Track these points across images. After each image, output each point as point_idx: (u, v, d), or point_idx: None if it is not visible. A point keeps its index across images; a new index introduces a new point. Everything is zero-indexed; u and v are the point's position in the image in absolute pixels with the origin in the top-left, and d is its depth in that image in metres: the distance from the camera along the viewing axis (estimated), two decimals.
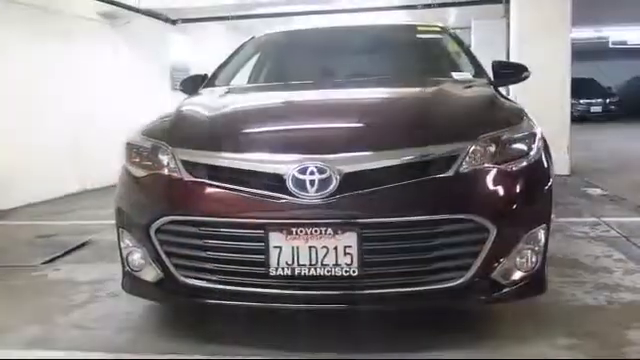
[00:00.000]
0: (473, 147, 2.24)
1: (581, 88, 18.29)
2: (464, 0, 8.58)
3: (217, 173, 2.26)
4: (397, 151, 2.18)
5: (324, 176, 2.12)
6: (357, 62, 3.75)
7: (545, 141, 2.65)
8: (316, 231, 2.10)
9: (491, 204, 2.20)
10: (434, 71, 3.45)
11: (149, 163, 2.43)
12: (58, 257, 3.95)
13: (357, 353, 2.32)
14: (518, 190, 2.28)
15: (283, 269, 2.13)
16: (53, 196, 6.50)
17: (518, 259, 2.30)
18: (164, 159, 2.38)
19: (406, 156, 2.18)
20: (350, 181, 2.13)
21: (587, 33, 14.85)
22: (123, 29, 7.93)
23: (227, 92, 3.13)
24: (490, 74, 3.34)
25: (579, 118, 17.49)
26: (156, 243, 2.31)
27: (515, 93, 7.15)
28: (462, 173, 2.19)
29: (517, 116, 2.53)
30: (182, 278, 2.31)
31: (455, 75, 3.34)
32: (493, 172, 2.24)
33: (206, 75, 3.70)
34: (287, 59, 3.98)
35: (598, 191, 5.99)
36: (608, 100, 18.68)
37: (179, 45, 9.04)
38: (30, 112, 6.38)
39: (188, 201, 2.28)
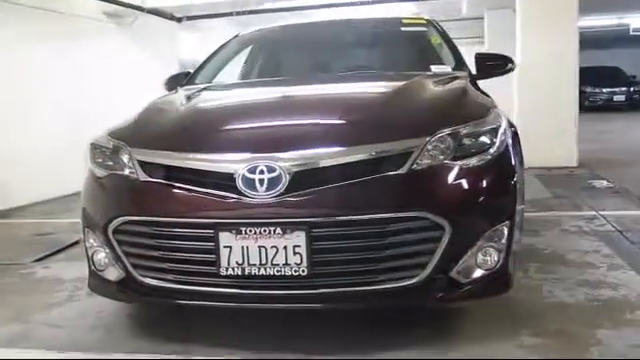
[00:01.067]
0: (428, 143, 2.19)
1: (604, 76, 17.93)
2: None
3: (170, 173, 2.26)
4: (347, 149, 2.15)
5: (273, 175, 2.10)
6: (337, 57, 3.71)
7: (516, 134, 2.60)
8: (265, 231, 2.09)
9: (446, 201, 2.16)
10: (413, 65, 3.39)
11: (110, 163, 2.44)
12: (49, 255, 4.01)
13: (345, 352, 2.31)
14: (476, 186, 2.23)
15: (234, 269, 2.13)
16: (63, 194, 6.58)
17: (479, 257, 2.25)
18: (124, 159, 2.39)
19: (356, 154, 2.14)
20: (300, 180, 2.11)
21: (607, 20, 14.48)
22: (129, 28, 8.00)
23: (199, 90, 3.13)
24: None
25: (602, 107, 17.14)
26: (114, 243, 2.33)
27: (518, 84, 7.05)
28: (415, 170, 2.15)
29: (482, 110, 2.47)
30: (140, 278, 2.32)
31: (434, 68, 3.29)
32: (449, 169, 2.20)
33: (189, 73, 3.73)
34: (269, 56, 3.99)
35: (604, 183, 5.84)
36: (632, 89, 18.20)
37: (187, 42, 9.09)
38: (35, 111, 6.48)
39: (143, 201, 2.29)
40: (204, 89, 3.16)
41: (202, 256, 2.17)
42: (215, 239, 2.13)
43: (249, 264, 2.12)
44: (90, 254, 2.51)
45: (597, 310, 2.64)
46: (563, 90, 6.85)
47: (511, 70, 3.61)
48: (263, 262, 2.11)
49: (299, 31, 4.07)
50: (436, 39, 3.62)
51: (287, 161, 2.12)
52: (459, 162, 2.22)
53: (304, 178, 2.11)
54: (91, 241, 2.48)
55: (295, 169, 2.11)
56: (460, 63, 3.35)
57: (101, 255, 2.45)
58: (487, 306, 2.67)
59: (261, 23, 7.66)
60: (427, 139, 2.19)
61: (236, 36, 4.03)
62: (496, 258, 2.28)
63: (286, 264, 2.10)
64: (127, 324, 2.74)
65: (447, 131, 2.25)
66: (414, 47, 3.70)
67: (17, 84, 6.24)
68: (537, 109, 6.95)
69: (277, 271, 2.10)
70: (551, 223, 4.25)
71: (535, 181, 6.10)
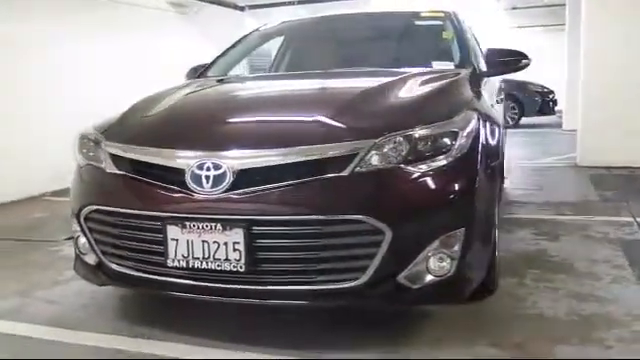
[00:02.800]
0: (376, 146, 2.17)
1: None
2: None
3: (133, 166, 2.38)
4: (290, 149, 2.17)
5: (219, 172, 2.17)
6: (338, 53, 3.70)
7: (486, 137, 2.48)
8: (207, 226, 2.16)
9: (387, 206, 2.12)
10: (414, 60, 3.32)
11: (91, 154, 2.60)
12: None
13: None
14: (425, 192, 2.18)
15: (179, 261, 2.22)
16: None
17: (430, 263, 2.21)
18: (100, 151, 2.54)
19: (299, 155, 2.15)
20: (244, 178, 2.16)
21: None
22: (194, 17, 8.29)
23: (198, 84, 3.23)
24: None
25: None
26: (86, 230, 2.49)
27: (584, 76, 6.67)
28: (358, 173, 2.13)
29: (448, 111, 2.37)
30: (108, 263, 2.47)
31: (435, 64, 3.22)
32: (397, 172, 2.16)
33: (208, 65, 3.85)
34: (278, 51, 4.03)
35: None
36: None
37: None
38: (108, 97, 6.86)
39: (107, 192, 2.43)
40: (196, 84, 3.26)
41: (154, 247, 2.28)
42: (164, 231, 2.23)
43: (193, 257, 2.20)
44: (75, 238, 2.69)
45: (571, 325, 2.51)
46: (631, 80, 6.40)
47: (525, 66, 3.45)
48: (206, 256, 2.18)
49: (311, 26, 4.08)
50: (448, 34, 3.51)
51: (232, 159, 2.18)
52: (410, 166, 2.18)
53: (248, 177, 2.16)
54: (75, 226, 2.66)
55: (239, 167, 2.16)
56: (465, 59, 3.24)
57: (83, 240, 2.61)
58: (460, 312, 2.63)
59: (323, 11, 7.75)
60: (373, 141, 2.17)
61: (256, 30, 4.10)
62: (449, 265, 2.23)
63: (226, 259, 2.16)
64: (115, 305, 2.92)
65: (398, 133, 2.20)
66: (422, 42, 3.62)
67: (89, 70, 6.64)
68: (601, 106, 6.56)
69: (218, 265, 2.17)
70: (578, 228, 4.03)
71: (586, 181, 5.79)
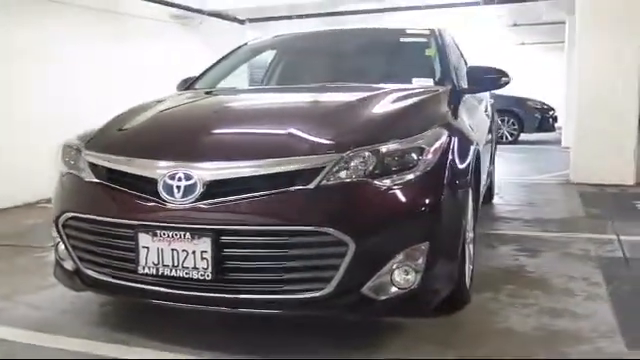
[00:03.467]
0: (342, 160, 2.22)
1: None
2: None
3: (109, 175, 2.45)
4: (258, 162, 2.23)
5: (189, 183, 2.23)
6: (321, 69, 3.77)
7: (455, 154, 2.52)
8: (177, 235, 2.22)
9: (350, 218, 2.17)
10: (394, 77, 3.39)
11: (72, 163, 2.66)
12: None
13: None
14: (389, 206, 2.23)
15: (150, 268, 2.27)
16: None
17: (395, 275, 2.26)
18: (81, 160, 2.61)
19: (268, 167, 2.21)
20: (213, 189, 2.22)
21: None
22: (197, 29, 8.41)
23: (180, 96, 3.31)
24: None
25: None
26: (64, 236, 2.56)
27: (578, 95, 6.72)
28: (324, 186, 2.19)
29: (417, 128, 2.43)
30: (84, 269, 2.53)
31: (415, 81, 3.28)
32: (362, 186, 2.21)
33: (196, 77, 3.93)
34: (277, 64, 4.11)
35: None
36: None
37: None
38: (110, 106, 6.96)
39: (84, 200, 2.50)
40: (179, 96, 3.33)
41: (126, 254, 2.34)
42: (135, 239, 2.29)
43: (163, 265, 2.25)
44: (55, 244, 2.75)
45: (538, 340, 2.54)
46: (622, 100, 6.45)
47: (505, 84, 3.51)
48: (175, 264, 2.24)
49: (298, 41, 4.17)
50: (431, 51, 3.57)
51: (203, 170, 2.24)
52: (376, 180, 2.23)
53: (217, 188, 2.22)
54: (54, 233, 2.72)
55: (209, 178, 2.23)
56: (445, 77, 3.30)
57: (62, 246, 2.68)
58: (431, 324, 2.66)
59: (318, 26, 7.83)
60: (340, 156, 2.22)
61: (245, 44, 4.18)
62: (412, 278, 2.27)
63: (194, 268, 2.21)
64: (95, 311, 2.97)
65: (365, 148, 2.26)
66: (405, 59, 3.68)
67: (90, 80, 6.74)
68: (593, 122, 6.61)
69: (186, 273, 2.23)
70: (560, 245, 4.06)
71: (576, 199, 5.83)
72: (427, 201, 2.29)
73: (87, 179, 2.51)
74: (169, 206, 2.24)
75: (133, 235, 2.29)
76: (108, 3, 7.03)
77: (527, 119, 12.35)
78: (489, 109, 4.79)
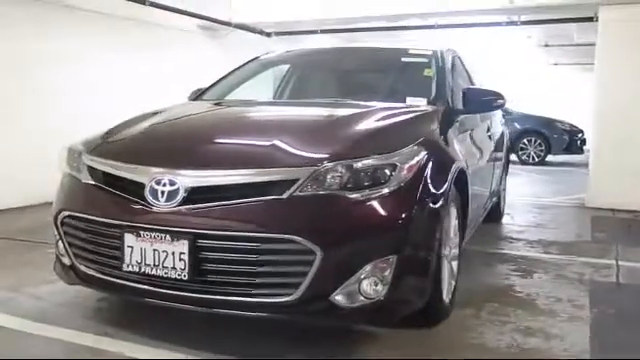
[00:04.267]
0: (316, 173, 2.34)
1: None
2: None
3: (103, 178, 2.63)
4: (237, 171, 2.37)
5: (173, 188, 2.38)
6: (321, 86, 3.92)
7: (432, 173, 2.60)
8: (158, 236, 2.37)
9: (319, 229, 2.29)
10: (389, 95, 3.51)
11: (73, 165, 2.85)
12: None
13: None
14: (357, 218, 2.34)
15: (133, 266, 2.43)
16: None
17: (363, 285, 2.36)
18: (80, 163, 2.79)
19: (244, 177, 2.36)
20: (194, 195, 2.37)
21: None
22: (224, 40, 8.65)
23: (183, 106, 3.48)
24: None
25: None
26: (61, 233, 2.74)
27: (595, 118, 6.70)
28: (296, 196, 2.31)
29: (395, 145, 2.53)
30: (78, 265, 2.70)
31: (409, 100, 3.38)
32: (333, 198, 2.33)
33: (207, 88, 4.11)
34: (284, 79, 4.27)
35: None
36: None
37: None
38: (139, 111, 7.22)
39: (80, 200, 2.68)
40: (182, 105, 3.51)
41: (113, 252, 2.50)
42: (121, 239, 2.45)
43: (145, 264, 2.41)
44: (56, 241, 2.94)
45: (506, 357, 2.60)
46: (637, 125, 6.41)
47: (501, 106, 3.60)
48: (156, 263, 2.39)
49: (304, 58, 4.32)
50: (429, 71, 3.67)
51: (185, 177, 2.39)
52: (347, 193, 2.34)
53: (197, 194, 2.37)
54: (54, 230, 2.91)
55: (190, 185, 2.38)
56: (439, 96, 3.40)
57: (61, 243, 2.86)
58: (406, 336, 2.76)
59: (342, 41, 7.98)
60: (313, 169, 2.35)
61: (256, 58, 4.35)
62: (380, 290, 2.37)
63: (173, 268, 2.36)
64: (92, 305, 3.14)
65: (339, 163, 2.38)
66: (403, 78, 3.79)
67: (120, 86, 7.03)
68: (609, 147, 6.58)
69: (165, 273, 2.37)
70: (556, 267, 4.08)
71: (586, 222, 5.79)
72: (397, 216, 2.39)
73: (84, 181, 2.69)
74: (153, 209, 2.40)
75: (120, 235, 2.45)
76: (141, 13, 7.30)
77: (555, 140, 12.23)
78: (497, 130, 4.83)
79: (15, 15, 6.01)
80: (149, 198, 2.41)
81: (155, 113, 3.22)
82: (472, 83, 4.51)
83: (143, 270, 2.41)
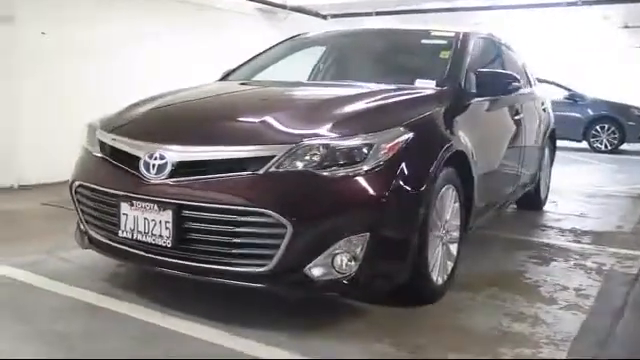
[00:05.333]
0: (293, 150, 2.44)
1: None
2: None
3: (109, 151, 2.85)
4: (218, 147, 2.53)
5: (162, 162, 2.56)
6: (342, 66, 3.99)
7: (415, 154, 2.64)
8: (148, 206, 2.56)
9: (291, 203, 2.39)
10: (398, 77, 3.54)
11: (90, 139, 3.10)
12: None
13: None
14: (330, 195, 2.43)
15: (127, 232, 2.64)
16: None
17: (336, 260, 2.46)
18: (94, 138, 3.03)
19: (225, 152, 2.51)
20: (180, 169, 2.54)
21: None
22: (282, 23, 8.83)
23: (206, 85, 3.67)
24: None
25: None
26: (75, 201, 3.00)
27: None
28: (272, 172, 2.43)
29: (381, 126, 2.59)
30: (89, 230, 2.95)
31: (418, 82, 3.40)
32: (306, 175, 2.43)
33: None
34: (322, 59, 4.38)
35: None
36: None
37: None
38: None
39: (89, 171, 2.92)
40: (201, 86, 3.69)
41: (113, 219, 2.73)
42: (118, 207, 2.66)
43: (137, 231, 2.61)
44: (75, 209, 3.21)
45: (484, 339, 2.61)
46: None
47: (515, 90, 3.54)
48: (146, 231, 2.58)
49: (331, 40, 4.41)
50: (444, 53, 3.65)
51: (173, 152, 2.57)
52: (321, 170, 2.43)
53: (183, 168, 2.54)
54: (70, 198, 3.17)
55: (177, 159, 2.55)
56: (448, 79, 3.39)
57: (75, 210, 3.12)
58: (392, 314, 2.83)
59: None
60: (290, 147, 2.45)
61: (289, 38, 4.47)
62: (352, 265, 2.46)
63: (160, 235, 2.55)
64: (109, 270, 3.37)
65: (316, 141, 2.47)
66: (419, 60, 3.79)
67: (183, 67, 7.36)
68: None
69: (153, 240, 2.57)
70: (579, 256, 3.98)
71: (634, 214, 5.54)
72: (371, 195, 2.46)
73: (94, 154, 2.93)
74: (145, 181, 2.59)
75: (117, 203, 2.67)
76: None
77: (630, 128, 11.61)
78: (531, 115, 4.68)
79: (102, 5, 6.46)
80: (142, 170, 2.61)
81: (169, 93, 3.41)
82: (508, 67, 4.41)
83: (135, 236, 2.62)
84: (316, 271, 2.46)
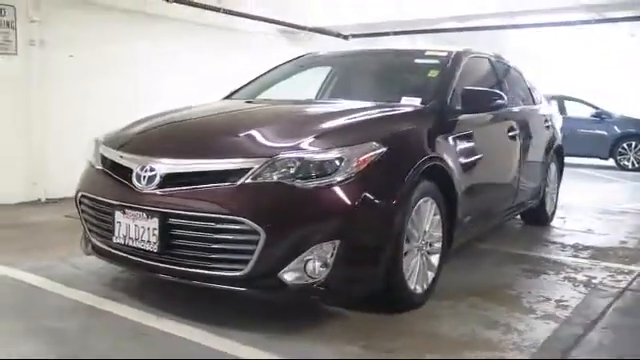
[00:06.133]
0: (268, 163, 2.64)
1: None
2: None
3: (107, 164, 3.10)
4: (200, 161, 2.75)
5: (152, 174, 2.79)
6: (336, 85, 4.18)
7: (387, 167, 2.80)
8: (138, 214, 2.79)
9: (264, 212, 2.58)
10: (387, 95, 3.72)
11: (94, 153, 3.36)
12: None
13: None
14: (302, 205, 2.61)
15: (120, 238, 2.88)
16: None
17: (308, 266, 2.63)
18: (98, 152, 3.30)
19: (206, 165, 2.73)
20: (167, 180, 2.77)
21: None
22: (305, 44, 9.10)
23: (206, 104, 3.91)
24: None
25: None
26: (79, 210, 3.26)
27: None
28: (248, 183, 2.63)
29: (355, 140, 2.78)
30: (91, 237, 3.20)
31: (404, 99, 3.56)
32: (280, 186, 2.62)
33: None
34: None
35: None
36: None
37: None
38: None
39: (91, 182, 3.17)
40: (210, 104, 3.94)
41: (109, 226, 2.96)
42: (113, 215, 2.90)
43: (129, 237, 2.84)
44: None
45: (453, 344, 2.73)
46: None
47: (499, 107, 3.66)
48: (136, 237, 2.81)
49: (330, 60, 4.64)
50: (433, 73, 3.81)
51: (161, 164, 2.80)
52: (295, 182, 2.62)
53: (169, 179, 2.76)
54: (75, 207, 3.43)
55: (165, 171, 2.77)
56: (433, 97, 3.54)
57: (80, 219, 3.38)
58: (368, 318, 2.98)
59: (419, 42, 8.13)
60: (265, 160, 2.65)
61: (297, 58, 4.71)
62: (323, 271, 2.63)
63: (148, 241, 2.77)
64: (112, 275, 3.62)
65: (291, 155, 2.66)
66: (409, 78, 3.96)
67: (212, 86, 7.68)
68: None
69: (142, 245, 2.79)
70: (571, 270, 4.04)
71: None
72: (340, 205, 2.63)
73: (96, 167, 3.19)
74: (136, 191, 2.82)
75: (112, 212, 2.91)
76: (227, 22, 7.89)
77: None
78: (528, 132, 4.76)
79: (128, 27, 6.88)
80: (135, 182, 2.84)
81: (170, 111, 3.67)
82: (509, 86, 4.55)
83: (127, 242, 2.85)
84: (289, 276, 2.63)
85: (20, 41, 5.98)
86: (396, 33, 8.64)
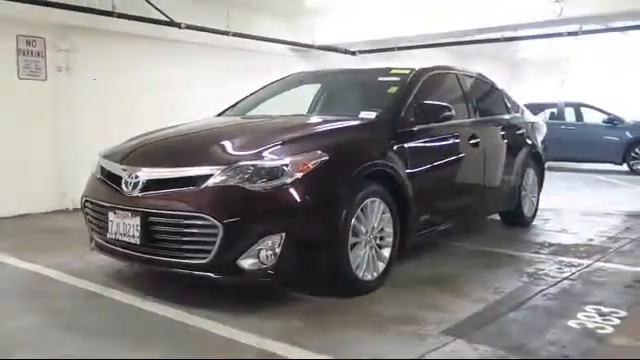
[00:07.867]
0: (225, 170, 3.21)
1: None
2: None
3: (104, 173, 3.73)
4: (171, 169, 3.36)
5: (136, 180, 3.41)
6: (319, 100, 4.85)
7: (328, 173, 3.33)
8: (125, 214, 3.40)
9: (221, 210, 3.14)
10: (350, 109, 4.27)
11: (96, 165, 4.00)
12: None
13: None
14: (251, 202, 3.17)
15: (112, 234, 3.50)
16: None
17: (260, 254, 3.18)
18: (99, 163, 3.94)
19: (175, 173, 3.34)
20: (148, 185, 3.37)
21: None
22: (318, 61, 9.68)
23: (196, 121, 4.53)
24: None
25: None
26: (84, 212, 3.90)
27: None
28: (211, 187, 3.21)
29: (302, 150, 3.34)
30: (93, 235, 3.84)
31: (362, 113, 4.09)
32: (235, 188, 3.19)
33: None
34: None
35: None
36: None
37: None
38: None
39: (92, 189, 3.81)
40: (203, 119, 4.56)
41: (104, 224, 3.59)
42: (107, 215, 3.52)
43: (119, 233, 3.45)
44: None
45: (385, 320, 3.20)
46: None
47: (447, 118, 4.14)
48: (124, 233, 3.42)
49: (315, 78, 5.29)
50: (392, 89, 4.33)
51: (143, 172, 3.41)
52: (248, 185, 3.18)
53: (149, 184, 3.37)
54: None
55: (146, 178, 3.39)
56: (387, 110, 4.07)
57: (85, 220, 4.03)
58: (317, 301, 3.51)
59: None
60: (225, 167, 3.22)
61: (284, 77, 5.30)
62: (271, 258, 3.18)
63: (132, 236, 3.37)
64: (116, 268, 4.25)
65: (247, 162, 3.24)
66: (371, 94, 4.49)
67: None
68: None
69: (128, 239, 3.40)
70: (525, 264, 4.44)
71: (618, 230, 5.82)
72: (285, 203, 3.20)
73: (97, 175, 3.83)
74: (124, 195, 3.44)
75: (106, 212, 3.53)
76: (242, 45, 8.53)
77: None
78: (497, 141, 5.20)
79: (146, 52, 7.64)
80: (123, 187, 3.46)
81: (163, 128, 4.29)
82: (470, 99, 5.01)
83: (118, 237, 3.47)
84: (245, 262, 3.19)
85: (49, 68, 6.78)
86: (400, 48, 9.14)
